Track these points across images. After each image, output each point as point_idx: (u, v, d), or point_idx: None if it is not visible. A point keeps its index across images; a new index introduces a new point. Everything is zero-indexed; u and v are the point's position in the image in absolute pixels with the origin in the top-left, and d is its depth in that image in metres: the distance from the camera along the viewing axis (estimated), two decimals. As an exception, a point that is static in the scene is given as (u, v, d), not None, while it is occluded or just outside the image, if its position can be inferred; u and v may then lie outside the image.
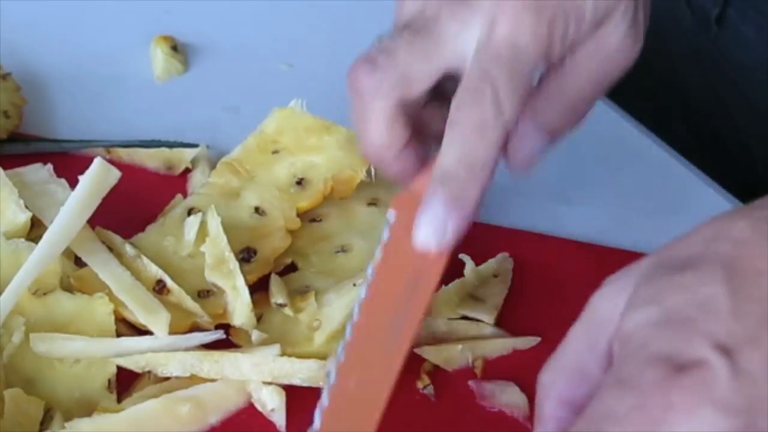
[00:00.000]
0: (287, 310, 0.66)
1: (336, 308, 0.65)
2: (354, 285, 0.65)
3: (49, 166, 0.71)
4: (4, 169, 0.69)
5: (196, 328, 0.65)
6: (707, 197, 0.78)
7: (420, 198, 0.58)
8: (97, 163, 0.66)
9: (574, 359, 0.51)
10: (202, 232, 0.67)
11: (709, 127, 0.92)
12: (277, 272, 0.68)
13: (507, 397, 0.65)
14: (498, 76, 0.57)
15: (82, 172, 0.66)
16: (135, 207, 0.71)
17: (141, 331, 0.64)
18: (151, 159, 0.75)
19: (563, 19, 0.58)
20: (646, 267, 0.50)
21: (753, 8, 0.86)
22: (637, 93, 0.83)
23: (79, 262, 0.66)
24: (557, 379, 0.52)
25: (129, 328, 0.65)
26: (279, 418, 0.63)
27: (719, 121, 0.92)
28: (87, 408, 0.62)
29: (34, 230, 0.67)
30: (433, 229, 0.57)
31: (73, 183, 0.67)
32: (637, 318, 0.48)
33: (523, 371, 0.66)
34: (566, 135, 0.62)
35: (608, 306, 0.50)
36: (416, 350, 0.65)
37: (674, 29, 0.93)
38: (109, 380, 0.63)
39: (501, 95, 0.57)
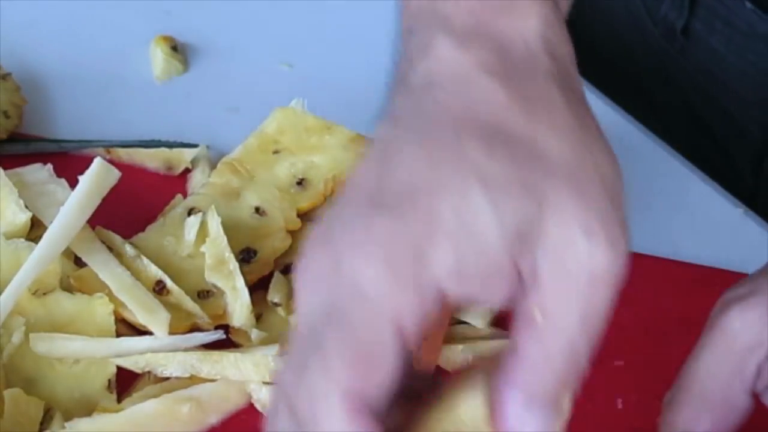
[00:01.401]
0: (281, 311, 0.66)
1: (329, 309, 0.65)
2: None
3: (49, 166, 0.71)
4: (4, 169, 0.68)
5: (195, 328, 0.65)
6: (707, 197, 0.78)
7: None
8: (97, 163, 0.66)
9: (718, 390, 0.50)
10: (202, 233, 0.67)
11: (685, 137, 0.91)
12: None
13: (507, 396, 0.65)
14: None
15: (82, 172, 0.66)
16: (135, 207, 0.71)
17: (141, 331, 0.64)
18: (151, 159, 0.75)
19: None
20: None
21: (719, 20, 0.85)
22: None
23: (79, 262, 0.66)
24: (703, 416, 0.50)
25: (129, 328, 0.65)
26: (279, 418, 0.63)
27: (694, 131, 0.92)
28: (87, 408, 0.62)
29: (34, 230, 0.67)
30: None
31: (73, 183, 0.67)
32: None
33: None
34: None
35: (753, 330, 0.50)
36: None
37: (638, 42, 0.92)
38: (109, 380, 0.63)
39: None
